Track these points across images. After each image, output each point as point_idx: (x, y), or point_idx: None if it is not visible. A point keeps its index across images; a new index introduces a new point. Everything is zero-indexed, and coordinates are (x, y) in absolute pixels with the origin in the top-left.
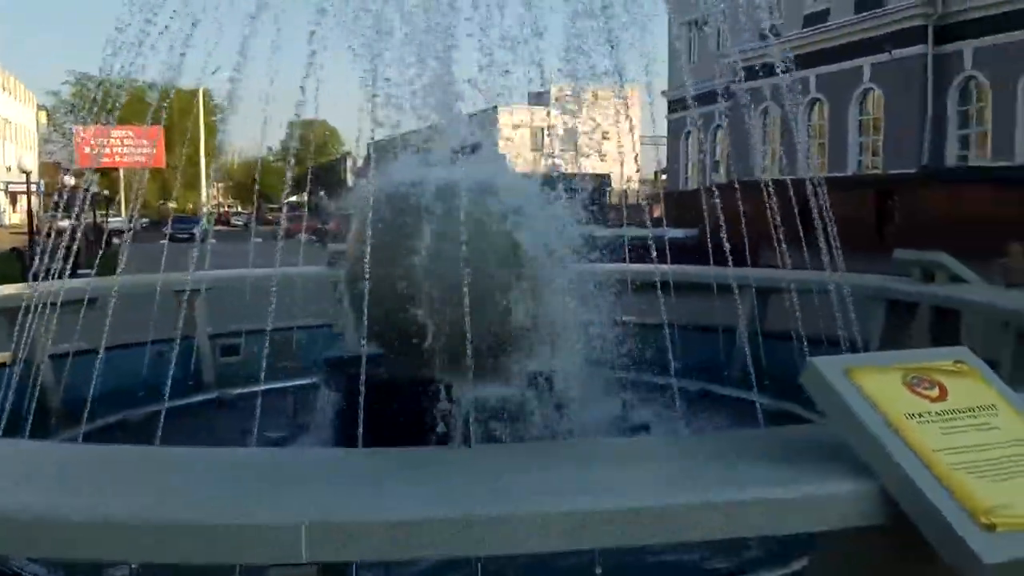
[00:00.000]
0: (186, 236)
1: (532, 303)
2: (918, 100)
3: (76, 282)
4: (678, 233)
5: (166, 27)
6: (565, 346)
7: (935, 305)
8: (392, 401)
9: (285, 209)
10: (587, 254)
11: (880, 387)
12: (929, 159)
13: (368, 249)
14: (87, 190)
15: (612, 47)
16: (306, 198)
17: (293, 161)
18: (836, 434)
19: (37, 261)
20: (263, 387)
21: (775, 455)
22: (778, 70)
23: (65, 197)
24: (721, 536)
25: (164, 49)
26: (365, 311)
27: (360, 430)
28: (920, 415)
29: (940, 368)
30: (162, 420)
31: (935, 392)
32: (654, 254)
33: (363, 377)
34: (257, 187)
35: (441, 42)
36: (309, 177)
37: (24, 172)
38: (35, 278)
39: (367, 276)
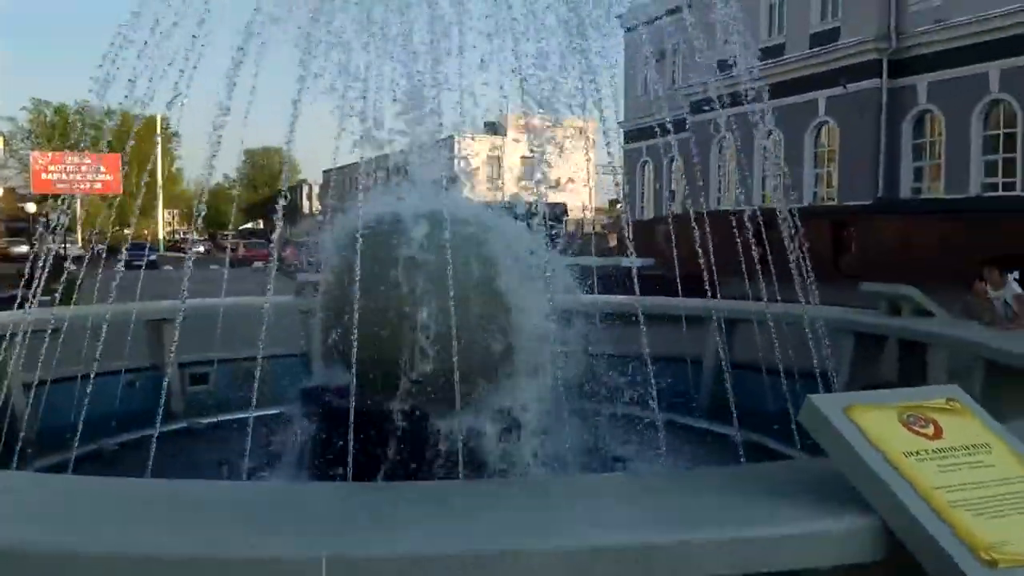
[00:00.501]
0: (141, 263)
1: (510, 335)
2: (873, 133)
3: (45, 311)
4: (635, 262)
5: (109, 54)
6: (540, 377)
7: (902, 338)
8: (372, 432)
9: (231, 235)
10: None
11: (878, 425)
12: (884, 191)
13: (349, 280)
14: (45, 216)
15: (569, 78)
16: (267, 225)
17: (247, 188)
18: (832, 470)
19: None
20: (233, 416)
21: (773, 491)
22: (737, 100)
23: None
24: (727, 572)
25: (123, 76)
26: (354, 342)
27: (350, 459)
28: (917, 453)
29: (934, 406)
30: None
31: (930, 430)
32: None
33: (352, 407)
34: (202, 214)
35: (407, 68)
36: (281, 202)
37: None
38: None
39: (355, 309)
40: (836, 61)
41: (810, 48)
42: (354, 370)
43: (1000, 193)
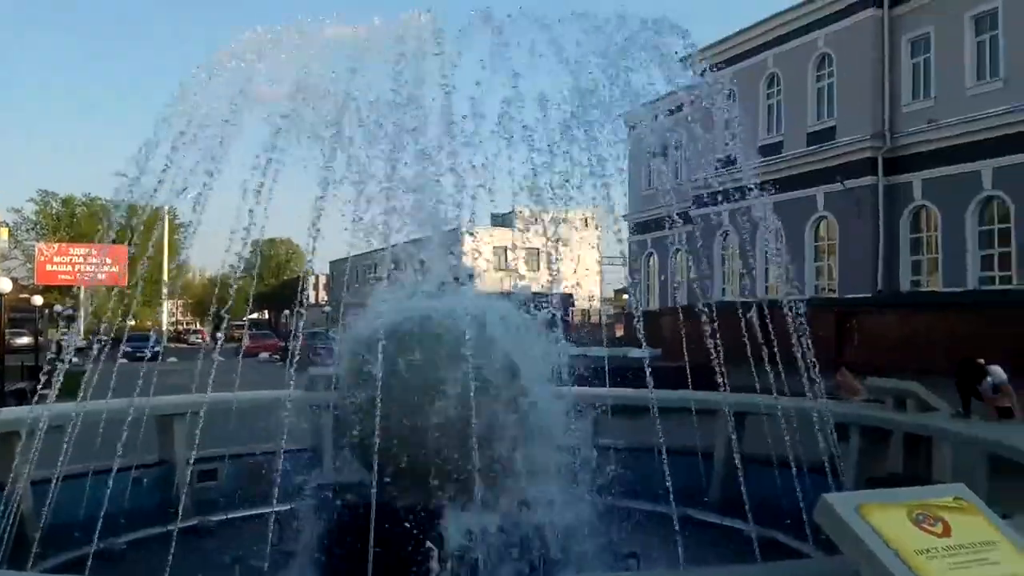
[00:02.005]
0: (142, 355)
1: (521, 429)
2: (871, 227)
3: (56, 407)
4: (641, 353)
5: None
6: (555, 474)
7: (908, 432)
8: (389, 529)
9: (247, 327)
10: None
11: (889, 523)
12: (883, 284)
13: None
14: (51, 308)
15: (575, 173)
16: (272, 315)
17: (255, 278)
18: (849, 567)
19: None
20: (242, 513)
21: None
22: (735, 196)
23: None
24: None
25: (132, 169)
26: (376, 442)
27: (370, 556)
28: (928, 551)
29: (942, 505)
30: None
31: (939, 528)
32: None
33: (373, 506)
34: (216, 306)
35: (419, 163)
36: (301, 291)
37: None
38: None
39: (378, 411)
40: (833, 159)
41: (807, 146)
42: (375, 467)
43: (997, 287)
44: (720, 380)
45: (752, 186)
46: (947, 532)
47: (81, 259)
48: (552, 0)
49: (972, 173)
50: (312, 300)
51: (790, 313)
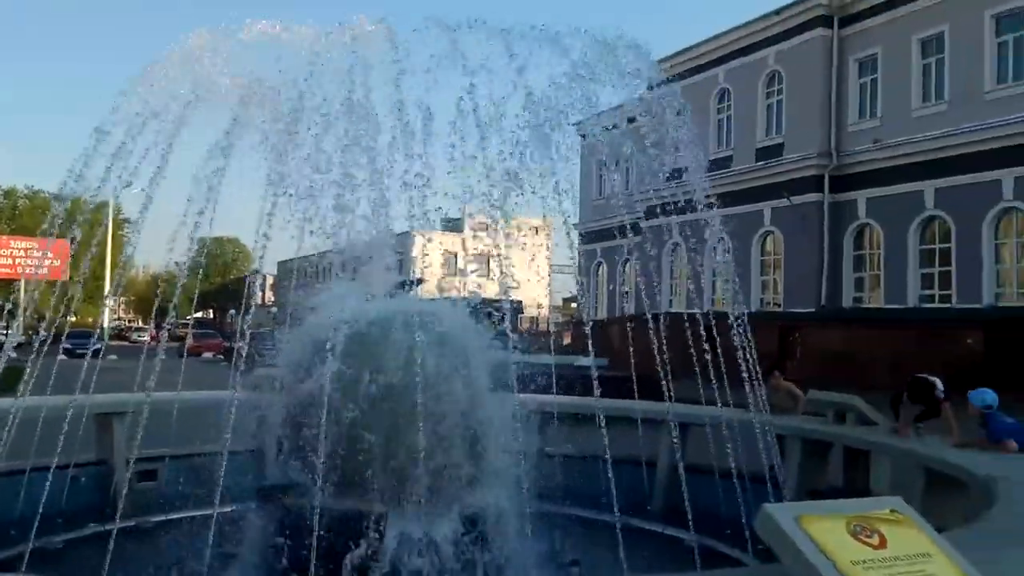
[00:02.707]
0: (83, 351)
1: (466, 436)
2: (816, 243)
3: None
4: (589, 362)
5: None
6: (498, 479)
7: (847, 445)
8: (333, 532)
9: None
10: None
11: (828, 534)
12: (826, 299)
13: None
14: None
15: (526, 180)
16: (217, 314)
17: (201, 277)
18: None
19: None
20: (182, 515)
21: None
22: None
23: None
24: None
25: (76, 162)
26: (321, 444)
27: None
28: (865, 562)
29: (879, 517)
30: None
31: (876, 540)
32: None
33: (317, 508)
34: (160, 303)
35: (370, 166)
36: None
37: None
38: None
39: (323, 414)
40: (780, 175)
41: (756, 161)
42: (320, 469)
43: (937, 305)
44: (665, 390)
45: (701, 200)
46: (883, 544)
47: (22, 253)
48: (511, 12)
49: (915, 193)
50: (259, 300)
51: (735, 326)
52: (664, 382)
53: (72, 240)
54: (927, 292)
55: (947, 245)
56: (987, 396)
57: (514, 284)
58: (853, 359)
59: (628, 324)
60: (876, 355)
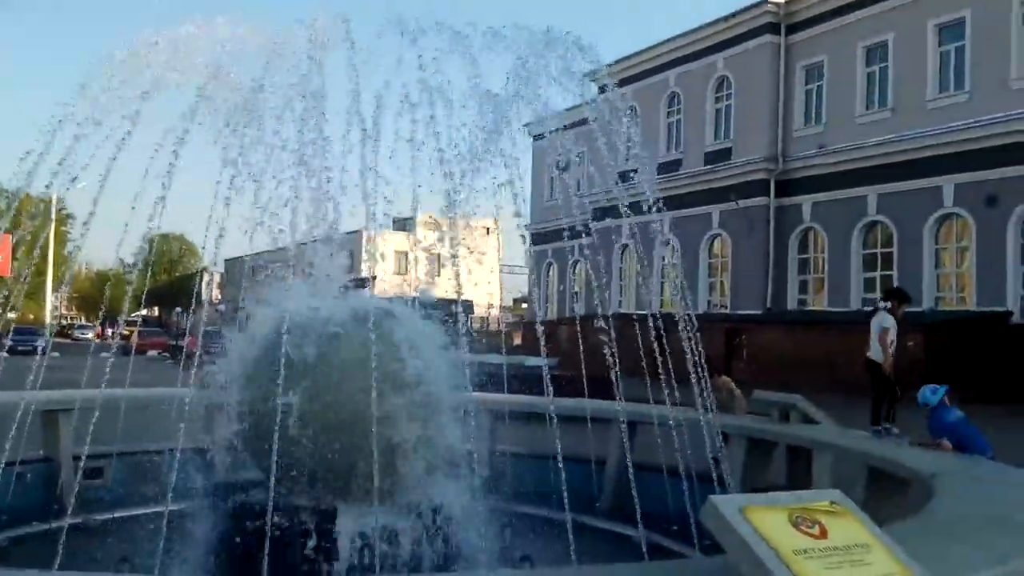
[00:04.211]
0: (28, 348)
1: (421, 432)
2: (762, 246)
3: None
4: (539, 361)
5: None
6: (447, 475)
7: (790, 444)
8: (285, 528)
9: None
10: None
11: (771, 525)
12: (772, 301)
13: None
14: None
15: (477, 180)
16: (162, 312)
17: (148, 274)
18: (730, 566)
19: None
20: (129, 512)
21: None
22: (635, 210)
23: None
24: None
25: (15, 155)
26: (273, 441)
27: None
28: (806, 551)
29: (820, 509)
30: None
31: (816, 531)
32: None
33: (271, 506)
34: (106, 301)
35: (318, 162)
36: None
37: None
38: None
39: (278, 411)
40: (728, 178)
41: (704, 164)
42: (273, 465)
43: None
44: (614, 390)
45: (649, 202)
46: (824, 534)
47: None
48: (467, 14)
49: (859, 198)
50: (208, 298)
51: (682, 327)
52: (612, 381)
53: (13, 234)
54: (869, 296)
55: (889, 250)
56: (924, 393)
57: (463, 284)
58: (797, 361)
59: (577, 324)
60: (819, 357)
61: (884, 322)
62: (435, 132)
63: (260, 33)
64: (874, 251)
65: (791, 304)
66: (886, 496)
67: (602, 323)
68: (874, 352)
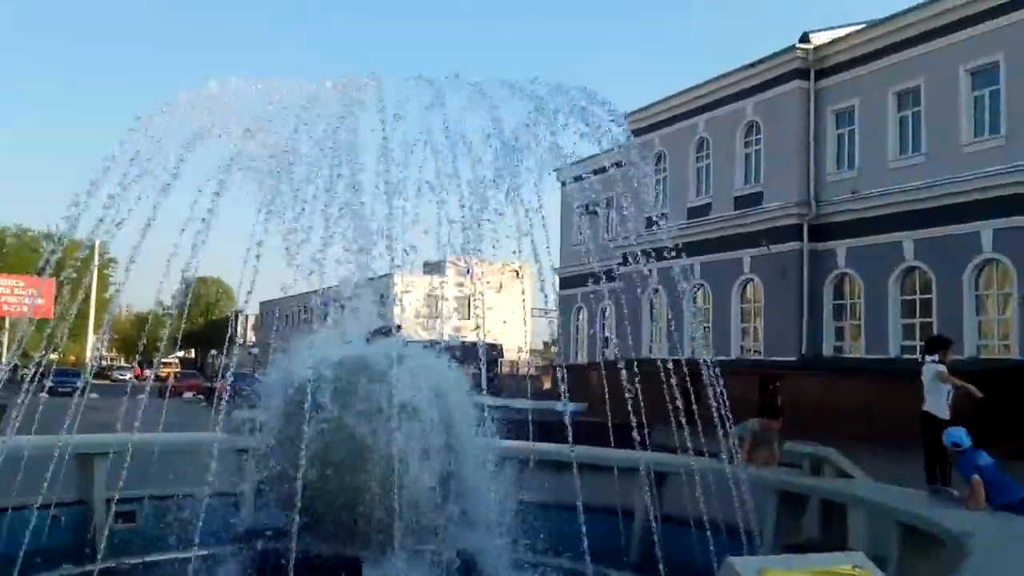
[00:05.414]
0: (68, 390)
1: (444, 481)
2: (795, 292)
3: None
4: (567, 407)
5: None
6: (477, 526)
7: (823, 498)
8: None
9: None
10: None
11: None
12: (807, 348)
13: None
14: None
15: (507, 225)
16: (199, 355)
17: (185, 317)
18: None
19: None
20: (160, 556)
21: None
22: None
23: None
24: None
25: (71, 205)
26: (299, 488)
27: None
28: None
29: (841, 572)
30: None
31: None
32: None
33: (294, 552)
34: (144, 343)
35: (350, 209)
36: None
37: None
38: None
39: (303, 458)
40: (759, 223)
41: (735, 209)
42: (296, 514)
43: (918, 356)
44: (643, 438)
45: (678, 247)
46: None
47: (8, 290)
48: (487, 69)
49: (894, 243)
50: (240, 341)
51: (712, 374)
52: (642, 429)
53: (58, 278)
54: (908, 343)
55: (928, 296)
56: (959, 435)
57: (493, 328)
58: (834, 409)
59: (606, 369)
60: (857, 405)
61: (937, 367)
62: (457, 184)
63: (296, 89)
64: (912, 297)
65: (827, 351)
66: (922, 554)
67: (629, 368)
68: (931, 405)
